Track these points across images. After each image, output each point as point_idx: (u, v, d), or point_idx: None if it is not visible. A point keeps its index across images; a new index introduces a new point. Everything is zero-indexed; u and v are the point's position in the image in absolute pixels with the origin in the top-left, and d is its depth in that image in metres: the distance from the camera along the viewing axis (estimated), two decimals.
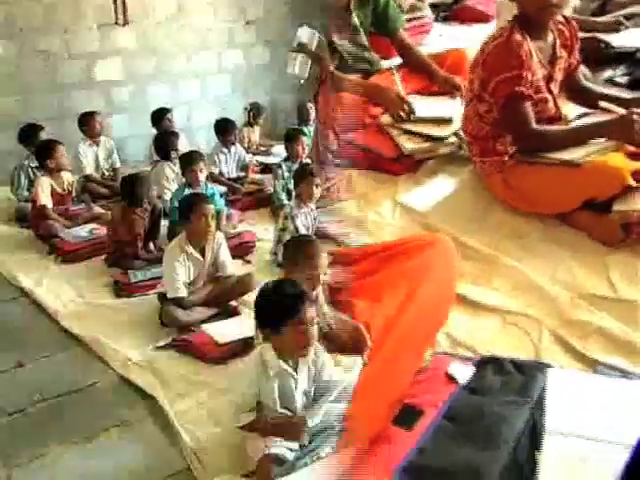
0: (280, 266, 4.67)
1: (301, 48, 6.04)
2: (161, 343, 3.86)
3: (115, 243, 4.96)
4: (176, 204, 5.18)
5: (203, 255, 4.17)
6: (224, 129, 6.89)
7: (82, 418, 3.26)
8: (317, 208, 5.12)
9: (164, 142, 6.27)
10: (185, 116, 8.39)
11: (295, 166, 5.79)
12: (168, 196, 5.69)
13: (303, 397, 2.91)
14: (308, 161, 6.11)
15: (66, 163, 5.81)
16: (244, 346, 3.64)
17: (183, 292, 4.04)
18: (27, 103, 7.22)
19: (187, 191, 5.27)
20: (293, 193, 5.15)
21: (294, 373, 2.86)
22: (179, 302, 4.02)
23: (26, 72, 7.21)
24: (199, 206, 4.08)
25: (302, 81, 6.18)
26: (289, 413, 2.85)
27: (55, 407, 3.36)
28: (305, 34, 5.93)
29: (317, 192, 4.95)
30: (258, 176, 6.99)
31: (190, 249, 4.10)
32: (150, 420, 3.23)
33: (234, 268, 4.39)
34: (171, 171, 6.05)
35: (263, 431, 2.76)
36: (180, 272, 4.05)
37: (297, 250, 3.59)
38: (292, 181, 5.60)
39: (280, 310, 2.78)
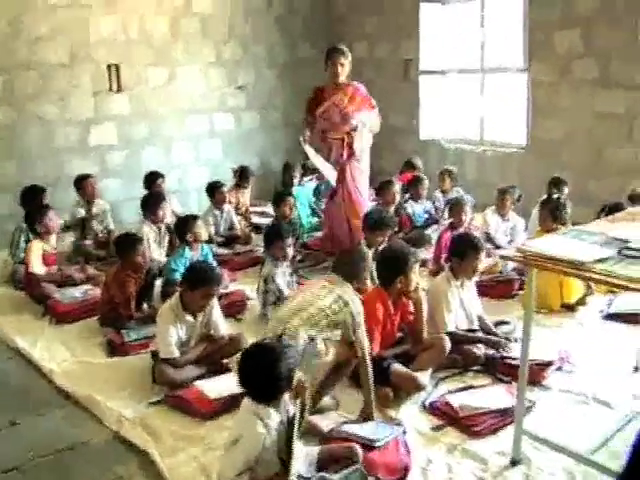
0: None
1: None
2: (154, 399, 3.97)
3: (108, 303, 5.06)
4: (173, 265, 5.35)
5: (195, 317, 4.27)
6: (213, 189, 7.17)
7: (77, 475, 3.35)
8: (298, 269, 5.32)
9: (148, 203, 6.39)
10: (178, 179, 8.60)
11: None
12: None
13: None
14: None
15: (55, 227, 6.00)
16: (235, 401, 3.69)
17: (175, 353, 4.14)
18: (24, 167, 7.45)
19: (187, 252, 5.46)
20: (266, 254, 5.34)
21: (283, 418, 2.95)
22: (171, 362, 4.12)
23: (23, 137, 7.44)
24: (209, 287, 4.19)
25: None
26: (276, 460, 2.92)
27: (50, 464, 3.43)
28: None
29: (290, 251, 5.18)
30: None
31: (183, 313, 4.20)
32: (142, 474, 3.31)
33: (226, 327, 4.49)
34: (149, 229, 6.19)
35: None
36: (173, 334, 4.14)
37: None
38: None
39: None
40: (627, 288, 2.66)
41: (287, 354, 2.91)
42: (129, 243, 5.17)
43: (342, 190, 6.10)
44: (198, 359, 4.25)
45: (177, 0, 8.41)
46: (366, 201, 6.27)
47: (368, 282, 4.87)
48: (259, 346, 3.03)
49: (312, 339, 3.62)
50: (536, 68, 7.64)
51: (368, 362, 3.71)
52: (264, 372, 2.85)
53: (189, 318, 4.22)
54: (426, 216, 7.24)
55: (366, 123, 6.04)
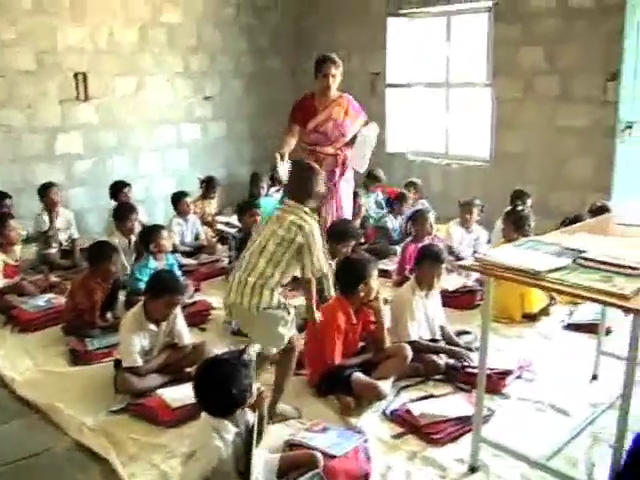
0: (234, 334, 4.86)
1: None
2: (116, 407, 3.96)
3: (73, 311, 5.04)
4: (138, 275, 5.35)
5: (158, 325, 4.27)
6: (177, 199, 7.21)
7: None
8: None
9: (118, 214, 6.39)
10: (145, 188, 8.58)
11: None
12: None
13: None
14: None
15: (17, 237, 5.99)
16: (198, 410, 3.69)
17: (138, 361, 4.13)
18: None
19: (152, 263, 5.46)
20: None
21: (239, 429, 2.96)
22: (134, 370, 4.11)
23: None
24: (172, 296, 4.21)
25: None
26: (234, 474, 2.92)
27: (11, 473, 3.41)
28: None
29: None
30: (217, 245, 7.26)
31: (146, 322, 4.20)
32: None
33: (189, 336, 4.49)
34: (119, 241, 6.11)
35: None
36: (136, 343, 4.14)
37: None
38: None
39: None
40: (579, 296, 2.73)
41: (243, 371, 2.85)
42: (105, 251, 5.15)
43: (331, 207, 5.74)
44: (161, 368, 4.24)
45: (145, 10, 8.40)
46: (349, 210, 6.04)
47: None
48: (215, 362, 2.97)
49: (284, 305, 3.66)
50: (500, 83, 7.78)
51: (313, 284, 3.75)
52: (218, 389, 2.82)
53: (152, 327, 4.22)
54: (398, 229, 7.33)
55: (366, 136, 5.68)
